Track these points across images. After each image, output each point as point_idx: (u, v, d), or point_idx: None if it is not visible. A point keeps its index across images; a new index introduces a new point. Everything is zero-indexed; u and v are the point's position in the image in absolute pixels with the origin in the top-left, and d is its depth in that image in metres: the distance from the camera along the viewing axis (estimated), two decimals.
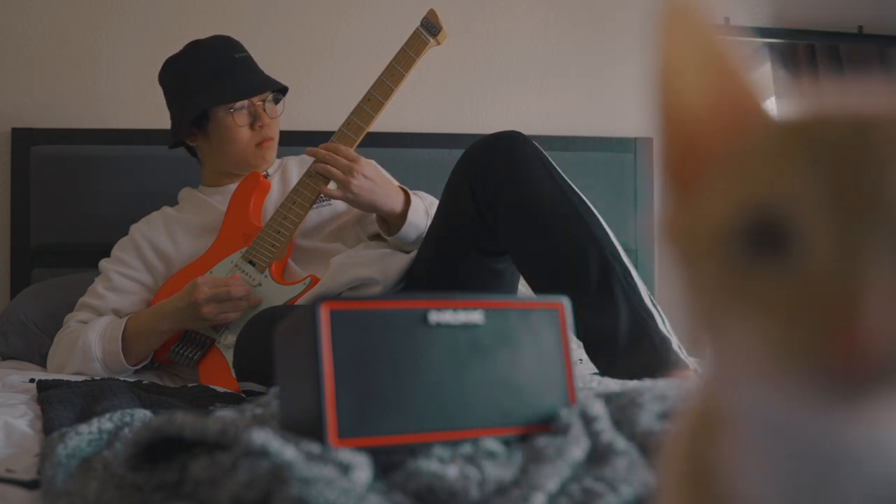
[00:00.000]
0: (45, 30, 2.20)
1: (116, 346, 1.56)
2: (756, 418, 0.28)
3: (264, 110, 1.68)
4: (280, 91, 1.74)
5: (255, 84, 1.68)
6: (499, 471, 0.61)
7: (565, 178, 1.38)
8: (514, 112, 2.36)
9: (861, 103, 0.26)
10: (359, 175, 1.51)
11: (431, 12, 1.62)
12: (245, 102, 1.67)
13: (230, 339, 1.56)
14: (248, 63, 1.72)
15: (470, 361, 0.68)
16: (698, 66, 0.30)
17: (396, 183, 1.64)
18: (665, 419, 0.70)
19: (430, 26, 1.61)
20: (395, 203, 1.55)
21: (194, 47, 1.71)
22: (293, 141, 2.03)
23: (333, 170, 1.53)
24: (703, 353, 0.30)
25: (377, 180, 1.54)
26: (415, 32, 1.61)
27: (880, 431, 0.25)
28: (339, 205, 1.75)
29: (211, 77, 1.68)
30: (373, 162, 1.86)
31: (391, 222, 1.59)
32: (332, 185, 1.57)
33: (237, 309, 1.55)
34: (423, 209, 1.59)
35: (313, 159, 1.64)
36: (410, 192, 1.60)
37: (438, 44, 1.62)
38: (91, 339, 1.57)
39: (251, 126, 1.69)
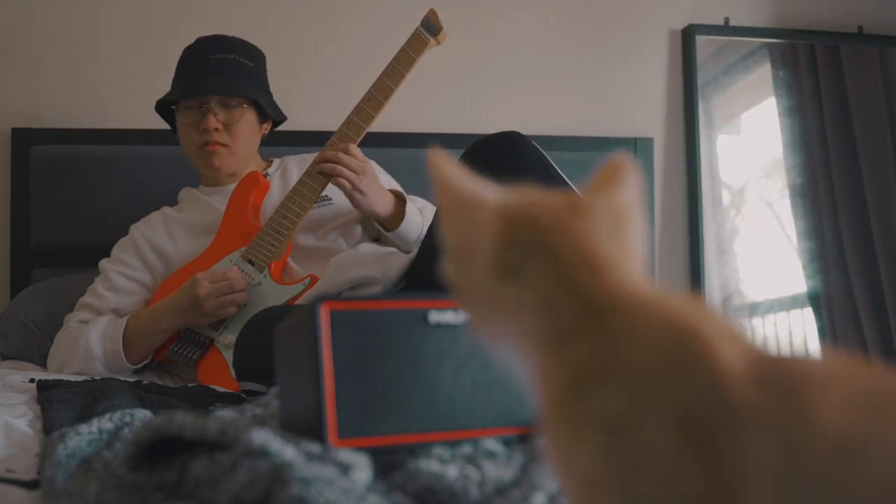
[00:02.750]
0: (45, 30, 2.20)
1: (118, 346, 1.56)
2: None
3: (215, 114, 1.65)
4: (258, 105, 1.70)
5: (201, 86, 1.66)
6: (499, 471, 0.61)
7: (565, 178, 1.38)
8: (514, 112, 2.36)
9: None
10: (365, 181, 1.54)
11: (432, 12, 1.62)
12: (194, 102, 1.66)
13: (230, 338, 1.56)
14: (220, 64, 1.68)
15: (470, 361, 0.68)
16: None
17: (388, 189, 1.64)
18: None
19: (431, 26, 1.61)
20: (387, 208, 1.58)
21: (194, 42, 1.73)
22: (293, 141, 2.03)
23: (345, 171, 1.54)
24: None
25: (376, 186, 1.57)
26: (415, 32, 1.62)
27: None
28: (341, 204, 1.75)
29: (179, 73, 1.71)
30: (370, 161, 1.87)
31: (384, 223, 1.62)
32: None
33: (236, 302, 1.56)
34: (416, 210, 1.63)
35: (312, 158, 1.64)
36: (406, 196, 1.63)
37: (439, 44, 1.63)
38: (92, 338, 1.57)
39: (196, 126, 1.67)
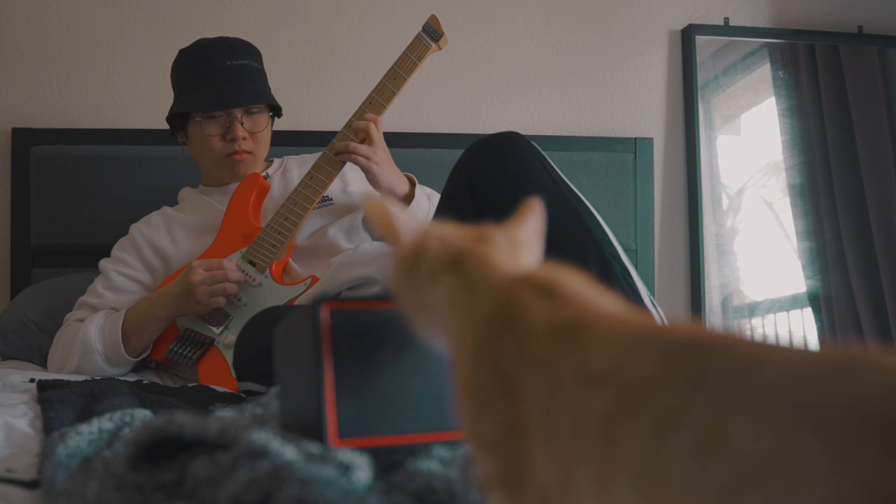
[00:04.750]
0: (45, 30, 2.20)
1: (116, 338, 1.56)
2: None
3: (241, 123, 1.65)
4: (272, 108, 1.71)
5: (230, 97, 1.64)
6: None
7: (564, 178, 1.38)
8: (514, 112, 2.36)
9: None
10: (382, 154, 1.58)
11: (433, 18, 1.63)
12: (219, 112, 1.65)
13: (230, 338, 1.56)
14: (239, 71, 1.67)
15: None
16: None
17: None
18: None
19: (432, 31, 1.62)
20: (402, 188, 1.62)
21: (196, 47, 1.69)
22: (294, 141, 2.03)
23: (360, 146, 1.57)
24: None
25: (390, 163, 1.60)
26: (417, 37, 1.62)
27: None
28: (342, 204, 1.75)
29: (196, 81, 1.66)
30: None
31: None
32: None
33: (227, 291, 1.56)
34: (424, 195, 1.67)
35: (314, 159, 1.65)
36: (416, 181, 1.67)
37: (440, 49, 1.64)
38: (91, 332, 1.57)
39: (223, 136, 1.67)
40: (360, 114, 1.62)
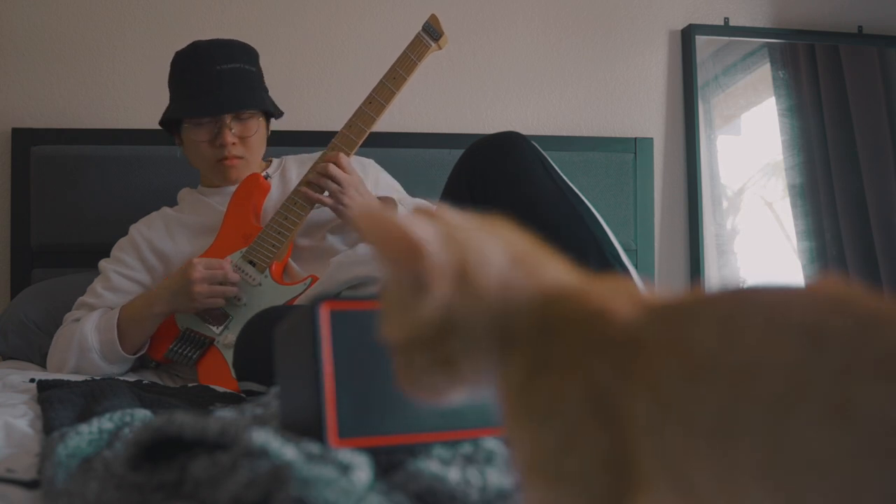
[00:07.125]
0: (45, 30, 2.20)
1: (112, 335, 1.56)
2: None
3: (230, 129, 1.64)
4: (265, 112, 1.70)
5: (215, 104, 1.63)
6: (501, 477, 0.61)
7: (564, 178, 1.38)
8: (514, 112, 2.36)
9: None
10: (352, 192, 1.54)
11: (433, 17, 1.63)
12: (207, 118, 1.64)
13: (230, 338, 1.56)
14: (228, 76, 1.65)
15: None
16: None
17: (377, 198, 1.64)
18: None
19: (432, 31, 1.62)
20: None
21: (190, 50, 1.68)
22: (294, 141, 2.03)
23: (329, 184, 1.55)
24: None
25: (361, 199, 1.56)
26: (416, 37, 1.62)
27: None
28: None
29: (186, 86, 1.66)
30: (371, 161, 1.86)
31: None
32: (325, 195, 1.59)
33: (227, 294, 1.56)
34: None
35: (313, 160, 1.65)
36: (397, 203, 1.61)
37: (440, 48, 1.64)
38: (87, 330, 1.57)
39: (212, 143, 1.67)
40: (359, 113, 1.61)
